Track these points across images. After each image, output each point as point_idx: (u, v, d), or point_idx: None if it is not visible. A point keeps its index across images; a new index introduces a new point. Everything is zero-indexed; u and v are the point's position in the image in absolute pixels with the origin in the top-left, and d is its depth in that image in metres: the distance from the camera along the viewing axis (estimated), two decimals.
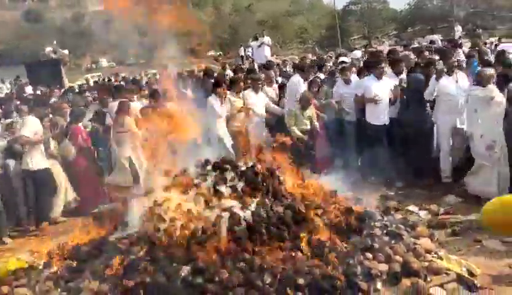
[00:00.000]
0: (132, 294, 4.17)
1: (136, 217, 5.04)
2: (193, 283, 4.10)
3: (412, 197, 6.79)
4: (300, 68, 9.16)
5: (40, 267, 5.20)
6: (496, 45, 11.14)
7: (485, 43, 13.20)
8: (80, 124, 7.94)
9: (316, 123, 7.97)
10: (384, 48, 19.18)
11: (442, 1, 33.74)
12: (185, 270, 4.27)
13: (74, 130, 7.67)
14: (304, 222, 4.69)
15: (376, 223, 5.16)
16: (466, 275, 4.37)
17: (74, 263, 4.93)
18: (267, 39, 17.65)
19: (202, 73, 10.75)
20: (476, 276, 4.39)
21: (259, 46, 17.62)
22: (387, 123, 7.51)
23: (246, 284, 4.09)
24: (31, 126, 7.11)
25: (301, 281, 4.09)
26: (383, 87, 7.50)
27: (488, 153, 6.20)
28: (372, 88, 7.42)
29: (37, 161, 7.09)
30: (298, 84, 8.32)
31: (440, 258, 4.64)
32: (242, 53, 24.99)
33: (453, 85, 7.03)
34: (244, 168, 5.14)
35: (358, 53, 13.51)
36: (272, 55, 19.52)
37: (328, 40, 35.17)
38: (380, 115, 7.49)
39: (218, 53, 30.59)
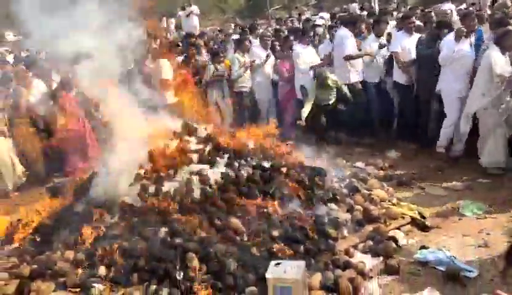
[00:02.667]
0: (110, 260, 4.18)
1: (101, 187, 4.98)
2: (173, 243, 4.19)
3: (355, 155, 7.28)
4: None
5: None
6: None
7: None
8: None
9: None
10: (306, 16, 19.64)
11: None
12: (162, 232, 4.35)
13: (64, 97, 7.38)
14: (272, 180, 4.91)
15: (333, 178, 5.53)
16: (419, 217, 4.85)
17: (38, 238, 4.81)
18: (195, 8, 17.37)
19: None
20: (426, 218, 4.88)
21: (187, 15, 17.32)
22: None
23: (224, 241, 4.27)
24: None
25: (275, 233, 4.34)
26: (414, 43, 7.19)
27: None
28: (404, 43, 7.19)
29: None
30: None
31: (394, 205, 5.11)
32: (165, 25, 24.36)
33: (468, 48, 6.49)
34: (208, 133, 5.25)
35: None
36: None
37: (248, 11, 35.20)
38: (406, 75, 7.28)
39: None
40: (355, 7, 21.84)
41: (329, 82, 7.47)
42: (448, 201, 5.40)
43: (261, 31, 11.61)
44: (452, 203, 5.33)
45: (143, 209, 4.58)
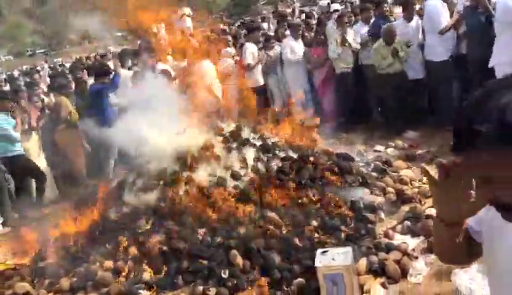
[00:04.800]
0: (153, 266, 4.16)
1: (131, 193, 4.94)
2: (214, 242, 4.17)
3: (373, 139, 7.25)
4: None
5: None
6: None
7: None
8: None
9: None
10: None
11: None
12: (201, 231, 4.33)
13: None
14: (302, 169, 4.88)
15: (358, 163, 5.51)
16: None
17: (73, 250, 4.77)
18: (187, 10, 17.25)
19: None
20: None
21: (180, 18, 17.21)
22: None
23: (264, 235, 4.24)
24: None
25: (314, 222, 4.32)
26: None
27: None
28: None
29: None
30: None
31: (425, 184, 5.08)
32: (155, 29, 24.23)
33: None
34: (231, 129, 5.22)
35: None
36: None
37: (234, 8, 35.14)
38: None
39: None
40: None
41: (396, 40, 7.04)
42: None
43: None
44: None
45: (178, 211, 4.55)
